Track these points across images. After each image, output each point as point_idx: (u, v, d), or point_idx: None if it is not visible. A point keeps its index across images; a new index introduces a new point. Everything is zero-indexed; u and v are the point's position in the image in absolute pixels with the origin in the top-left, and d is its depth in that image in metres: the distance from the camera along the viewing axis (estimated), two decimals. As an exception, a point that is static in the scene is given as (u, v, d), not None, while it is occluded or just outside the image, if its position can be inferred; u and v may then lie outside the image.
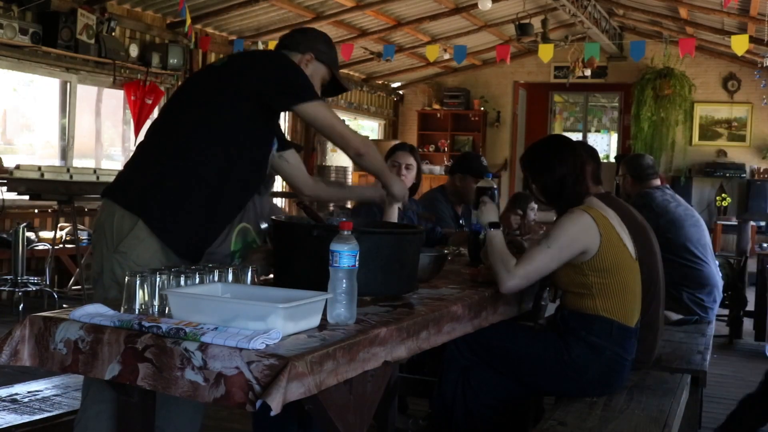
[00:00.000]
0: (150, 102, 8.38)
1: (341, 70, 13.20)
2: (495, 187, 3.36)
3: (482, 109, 13.96)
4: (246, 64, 2.58)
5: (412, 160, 3.95)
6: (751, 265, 6.57)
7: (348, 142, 2.59)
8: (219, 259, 2.73)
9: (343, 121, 2.66)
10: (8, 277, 6.40)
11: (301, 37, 2.74)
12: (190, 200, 2.44)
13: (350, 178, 12.64)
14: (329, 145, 12.11)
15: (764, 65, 11.03)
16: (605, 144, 16.60)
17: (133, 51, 8.30)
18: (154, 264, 2.29)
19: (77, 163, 8.09)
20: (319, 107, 2.50)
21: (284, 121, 11.11)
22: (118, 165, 8.69)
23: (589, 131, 16.21)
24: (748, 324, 6.28)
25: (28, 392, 3.94)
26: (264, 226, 2.91)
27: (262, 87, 2.46)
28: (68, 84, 7.96)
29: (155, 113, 8.32)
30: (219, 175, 2.47)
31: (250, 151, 2.55)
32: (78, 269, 6.90)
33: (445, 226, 4.35)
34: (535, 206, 4.58)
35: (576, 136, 15.37)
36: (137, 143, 2.64)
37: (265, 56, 2.70)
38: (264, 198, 3.06)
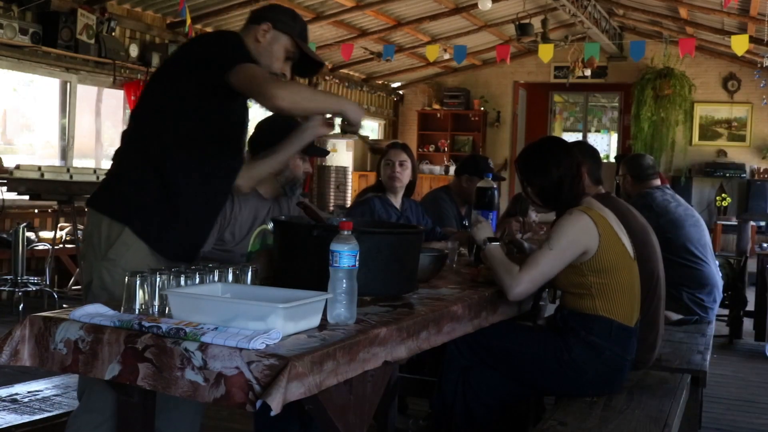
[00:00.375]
0: (150, 102, 8.37)
1: (341, 70, 13.16)
2: (495, 187, 3.36)
3: (482, 109, 13.96)
4: (182, 55, 2.49)
5: (405, 157, 3.94)
6: (751, 265, 6.57)
7: (263, 96, 2.22)
8: (236, 259, 2.71)
9: (268, 72, 2.38)
10: (8, 277, 6.40)
11: (261, 10, 2.62)
12: (173, 205, 2.41)
13: (350, 178, 12.63)
14: (329, 145, 12.09)
15: (764, 65, 11.02)
16: (605, 144, 16.61)
17: (133, 51, 8.29)
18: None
19: (77, 163, 8.09)
20: (244, 68, 2.27)
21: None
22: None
23: (589, 131, 16.21)
24: (748, 324, 6.28)
25: (28, 392, 3.94)
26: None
27: (199, 70, 2.36)
28: (68, 84, 7.96)
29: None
30: (198, 174, 2.44)
31: (224, 139, 2.50)
32: (78, 269, 6.90)
33: (449, 225, 4.36)
34: (537, 207, 4.56)
35: (576, 136, 15.40)
36: (115, 150, 2.55)
37: (194, 41, 2.55)
38: (292, 200, 3.05)
